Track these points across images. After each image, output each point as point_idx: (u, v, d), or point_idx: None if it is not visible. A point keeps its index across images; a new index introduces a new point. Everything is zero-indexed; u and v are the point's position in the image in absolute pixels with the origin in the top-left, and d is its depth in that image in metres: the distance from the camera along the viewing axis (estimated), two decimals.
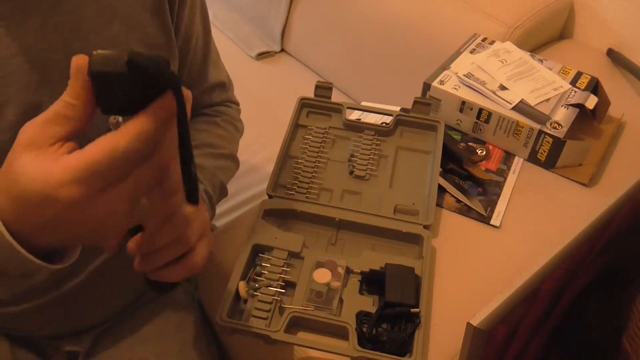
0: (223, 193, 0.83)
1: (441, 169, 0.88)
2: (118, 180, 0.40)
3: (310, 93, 0.94)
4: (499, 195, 0.88)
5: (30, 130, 0.41)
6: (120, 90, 0.41)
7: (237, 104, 0.89)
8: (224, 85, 0.86)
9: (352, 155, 0.88)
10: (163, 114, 0.40)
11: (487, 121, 0.95)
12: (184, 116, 0.42)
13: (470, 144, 0.97)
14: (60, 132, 0.41)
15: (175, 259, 0.52)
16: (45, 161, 0.39)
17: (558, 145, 0.89)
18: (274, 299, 0.71)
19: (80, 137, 0.43)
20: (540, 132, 0.90)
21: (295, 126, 0.91)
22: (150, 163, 0.42)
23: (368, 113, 0.96)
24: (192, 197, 0.45)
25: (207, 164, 0.79)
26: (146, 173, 0.42)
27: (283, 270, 0.74)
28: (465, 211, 0.86)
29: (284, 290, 0.72)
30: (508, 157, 0.95)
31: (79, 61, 0.40)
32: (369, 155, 0.88)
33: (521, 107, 0.93)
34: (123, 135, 0.39)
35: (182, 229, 0.51)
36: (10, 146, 0.56)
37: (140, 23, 0.64)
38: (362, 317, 0.70)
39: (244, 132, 0.91)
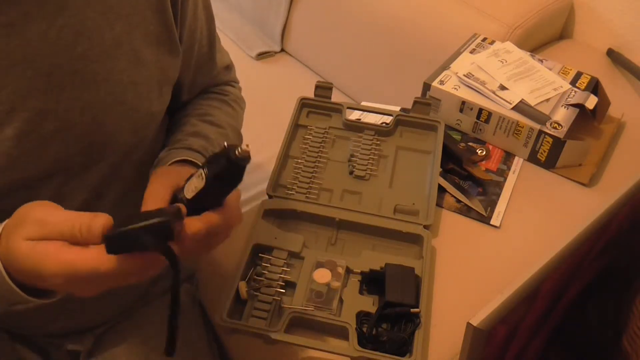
0: None
1: (441, 169, 0.88)
2: (96, 286, 0.50)
3: (310, 93, 0.94)
4: (499, 195, 0.88)
5: (32, 229, 0.49)
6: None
7: (238, 82, 0.91)
8: (229, 67, 0.88)
9: (352, 155, 0.88)
10: (150, 267, 0.49)
11: (487, 121, 0.95)
12: (177, 282, 0.49)
13: (470, 144, 0.97)
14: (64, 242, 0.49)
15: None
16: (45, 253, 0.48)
17: (558, 145, 0.89)
18: (274, 299, 0.71)
19: None
20: (540, 132, 0.90)
21: (295, 126, 0.91)
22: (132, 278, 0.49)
23: (368, 113, 0.96)
24: (171, 348, 0.51)
25: (222, 142, 0.79)
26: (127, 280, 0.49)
27: (283, 270, 0.74)
28: (465, 211, 0.86)
29: (284, 290, 0.72)
30: (508, 157, 0.95)
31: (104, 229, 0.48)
32: (369, 155, 0.88)
33: (521, 107, 0.93)
34: (107, 262, 0.47)
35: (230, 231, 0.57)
36: (17, 152, 0.56)
37: (142, 21, 0.64)
38: (362, 317, 0.70)
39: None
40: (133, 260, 0.47)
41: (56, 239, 0.49)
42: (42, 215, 0.50)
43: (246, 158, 0.49)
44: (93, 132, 0.63)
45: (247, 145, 0.49)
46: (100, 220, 0.48)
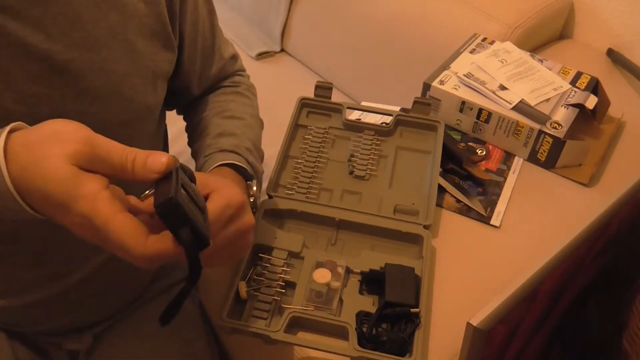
0: (260, 155, 0.84)
1: (441, 169, 0.88)
2: (108, 247, 0.47)
3: (310, 93, 0.94)
4: (498, 195, 0.88)
5: (79, 149, 0.45)
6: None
7: (245, 70, 0.91)
8: (234, 57, 0.88)
9: (352, 155, 0.88)
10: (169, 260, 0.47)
11: (487, 121, 0.95)
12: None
13: (470, 144, 0.97)
14: (103, 175, 0.47)
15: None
16: (85, 185, 0.45)
17: (558, 145, 0.89)
18: (274, 299, 0.71)
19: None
20: (540, 132, 0.90)
21: (295, 126, 0.92)
22: None
23: (368, 113, 0.96)
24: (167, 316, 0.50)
25: (249, 134, 0.80)
26: None
27: (283, 270, 0.74)
28: (465, 211, 0.86)
29: (284, 290, 0.72)
30: (508, 157, 0.95)
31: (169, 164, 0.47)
32: (369, 155, 0.88)
33: (521, 107, 0.93)
34: (143, 248, 0.45)
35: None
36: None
37: (136, 12, 0.65)
38: (362, 317, 0.70)
39: None
40: (167, 252, 0.45)
41: (100, 169, 0.45)
42: (89, 135, 0.46)
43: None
44: (88, 121, 0.63)
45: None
46: (160, 158, 0.45)
